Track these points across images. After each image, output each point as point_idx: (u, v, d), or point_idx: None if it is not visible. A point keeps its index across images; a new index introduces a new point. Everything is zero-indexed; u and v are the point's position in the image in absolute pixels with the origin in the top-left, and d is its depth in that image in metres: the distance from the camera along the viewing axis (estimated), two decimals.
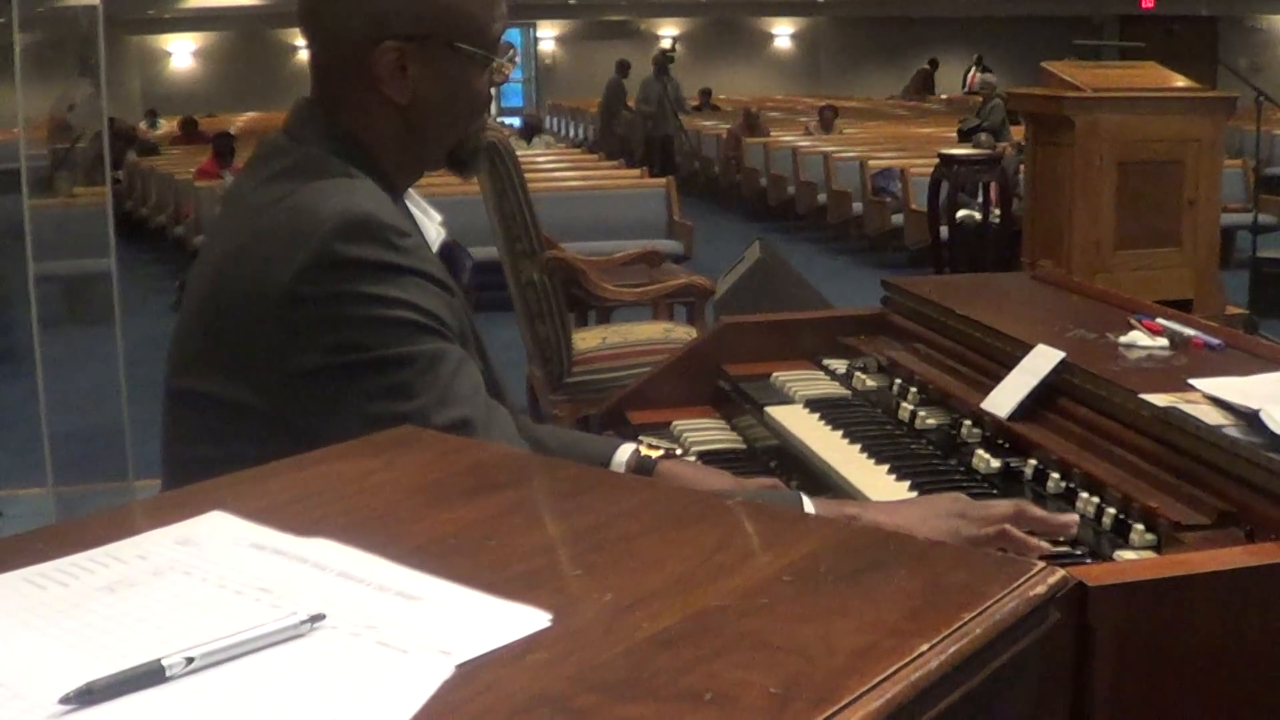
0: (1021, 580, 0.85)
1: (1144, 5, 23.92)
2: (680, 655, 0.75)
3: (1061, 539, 1.67)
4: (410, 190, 1.73)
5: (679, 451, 2.00)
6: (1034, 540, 1.63)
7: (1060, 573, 0.87)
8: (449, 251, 1.71)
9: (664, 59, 16.13)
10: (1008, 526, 1.63)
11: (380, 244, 1.48)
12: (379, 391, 1.46)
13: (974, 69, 22.01)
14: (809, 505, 1.63)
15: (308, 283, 1.46)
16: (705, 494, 1.11)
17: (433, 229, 1.71)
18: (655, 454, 1.89)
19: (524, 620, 0.79)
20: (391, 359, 1.46)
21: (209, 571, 0.87)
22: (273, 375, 1.48)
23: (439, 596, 0.83)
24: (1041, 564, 0.88)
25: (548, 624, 0.78)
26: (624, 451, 1.89)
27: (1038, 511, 1.66)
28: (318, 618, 0.79)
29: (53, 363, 5.02)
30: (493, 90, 1.73)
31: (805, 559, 0.89)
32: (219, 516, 0.96)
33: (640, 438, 2.06)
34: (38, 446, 4.88)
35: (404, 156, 1.67)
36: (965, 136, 12.27)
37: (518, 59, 1.79)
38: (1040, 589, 0.85)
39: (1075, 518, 1.67)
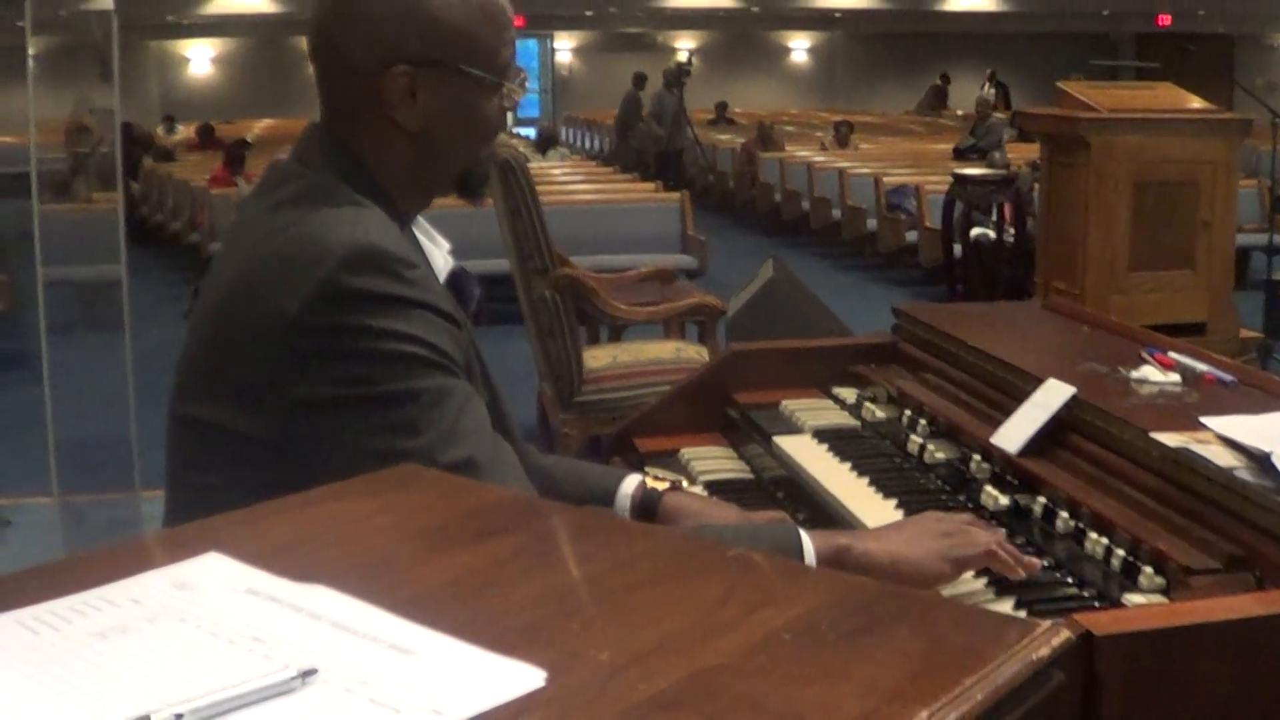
0: (1025, 641, 0.84)
1: (1160, 23, 23.91)
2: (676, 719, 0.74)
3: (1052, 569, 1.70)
4: (419, 218, 1.72)
5: (685, 483, 1.99)
6: (1027, 559, 1.65)
7: (1064, 634, 0.86)
8: (457, 280, 1.70)
9: (680, 73, 16.11)
10: (995, 547, 1.64)
11: (387, 276, 1.47)
12: (383, 427, 1.45)
13: (988, 85, 21.98)
14: (806, 541, 1.63)
15: (314, 314, 1.45)
16: (707, 544, 1.09)
17: (440, 257, 1.70)
18: (661, 486, 1.88)
19: (518, 679, 0.78)
20: (397, 394, 1.45)
21: (203, 619, 0.86)
22: (276, 406, 1.47)
23: (434, 651, 0.82)
24: (1046, 624, 0.87)
25: (542, 683, 0.77)
26: (630, 484, 1.88)
27: (1009, 548, 1.68)
28: (310, 672, 0.78)
29: (61, 369, 5.02)
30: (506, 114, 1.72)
31: (806, 616, 0.88)
32: (215, 559, 0.95)
33: (646, 469, 2.05)
34: (45, 454, 4.88)
35: (413, 183, 1.66)
36: (961, 155, 12.25)
37: (529, 83, 1.78)
38: (1044, 650, 0.84)
39: (1039, 563, 1.69)
